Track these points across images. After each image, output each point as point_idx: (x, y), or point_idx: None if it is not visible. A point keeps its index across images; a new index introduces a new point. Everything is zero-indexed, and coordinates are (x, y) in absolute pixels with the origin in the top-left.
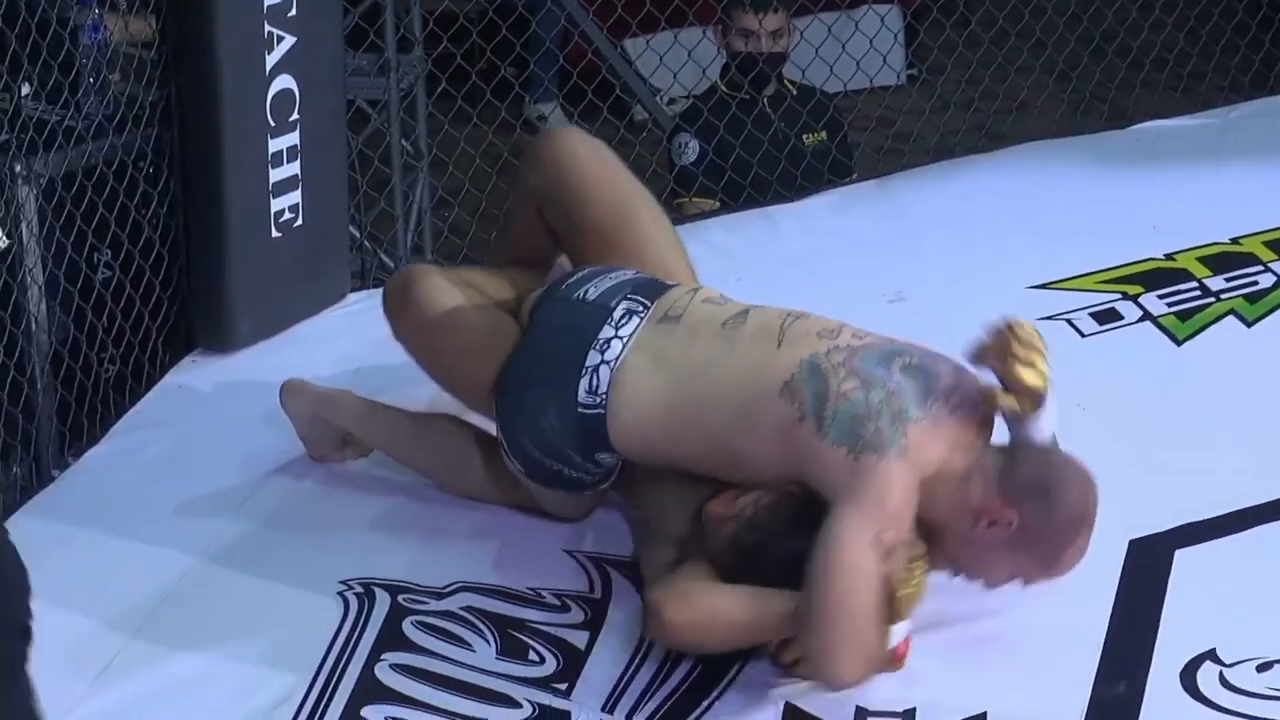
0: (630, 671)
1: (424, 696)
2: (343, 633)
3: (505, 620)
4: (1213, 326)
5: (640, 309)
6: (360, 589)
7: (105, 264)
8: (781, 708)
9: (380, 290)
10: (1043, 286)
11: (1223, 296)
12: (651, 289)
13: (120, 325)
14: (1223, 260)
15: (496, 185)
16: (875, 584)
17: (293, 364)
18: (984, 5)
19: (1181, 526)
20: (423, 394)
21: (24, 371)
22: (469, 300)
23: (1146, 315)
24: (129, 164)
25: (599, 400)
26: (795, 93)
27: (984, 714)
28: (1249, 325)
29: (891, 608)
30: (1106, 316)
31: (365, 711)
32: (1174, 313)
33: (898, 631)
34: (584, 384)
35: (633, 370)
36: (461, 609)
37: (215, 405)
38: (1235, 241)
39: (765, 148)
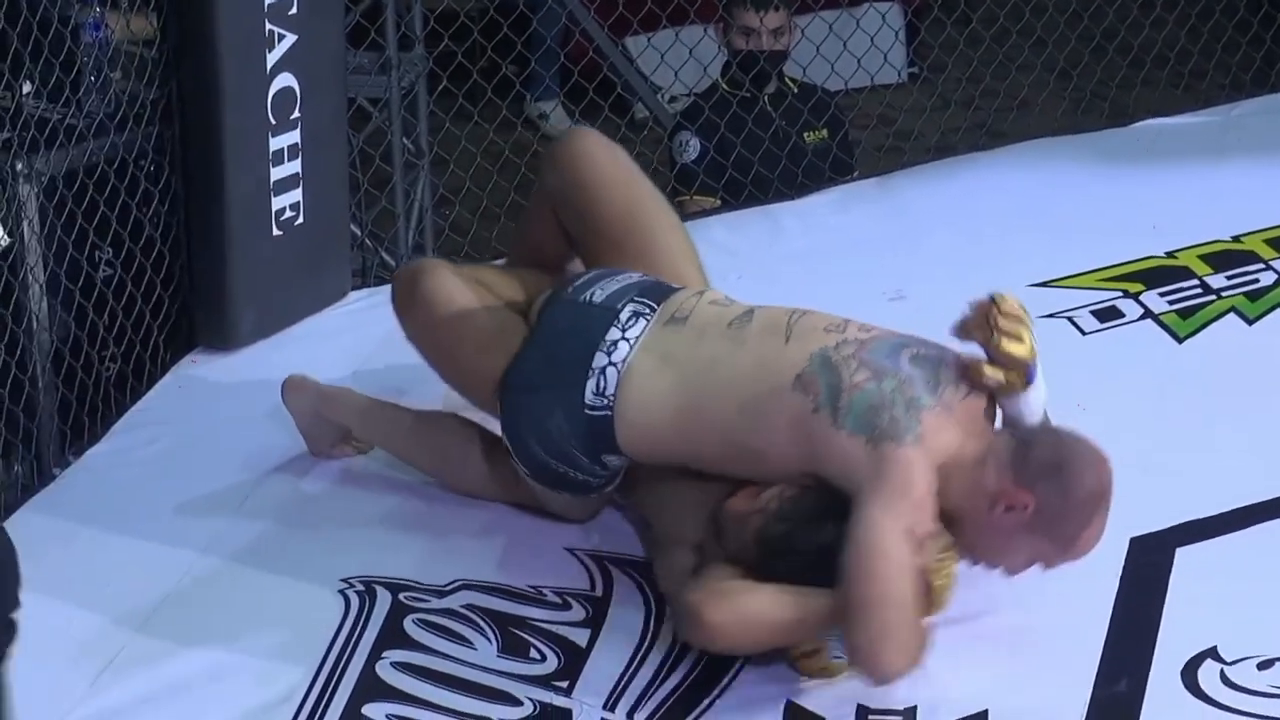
0: (631, 669)
1: (425, 694)
2: (344, 631)
3: (506, 618)
4: (1214, 324)
5: (647, 311)
6: (361, 587)
7: (106, 262)
8: (783, 705)
9: (383, 288)
10: (1044, 284)
11: (1224, 294)
12: (658, 291)
13: (121, 323)
14: (1224, 258)
15: (498, 183)
16: (911, 574)
17: (293, 362)
18: (985, 3)
19: (1183, 524)
20: (424, 394)
21: (25, 369)
22: (478, 298)
23: (1148, 313)
24: (130, 162)
25: (606, 402)
26: (796, 91)
27: (985, 712)
28: (1250, 323)
29: (929, 599)
30: (1107, 314)
31: (366, 709)
32: (1175, 310)
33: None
34: (591, 386)
35: (640, 372)
36: (463, 607)
37: (216, 403)
38: (1236, 239)
39: (766, 146)
